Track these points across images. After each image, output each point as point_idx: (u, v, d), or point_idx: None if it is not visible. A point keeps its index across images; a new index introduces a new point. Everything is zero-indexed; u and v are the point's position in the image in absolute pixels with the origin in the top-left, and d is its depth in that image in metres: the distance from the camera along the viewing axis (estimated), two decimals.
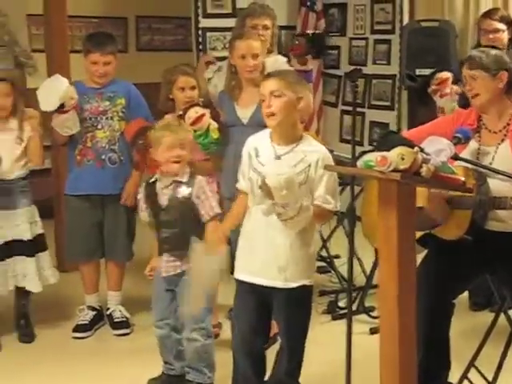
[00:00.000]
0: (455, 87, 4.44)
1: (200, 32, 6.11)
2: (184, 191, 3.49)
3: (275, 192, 2.87)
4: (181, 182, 3.50)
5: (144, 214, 3.64)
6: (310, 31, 6.56)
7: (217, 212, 3.53)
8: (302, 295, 3.13)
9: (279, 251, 3.06)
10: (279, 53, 4.67)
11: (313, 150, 3.10)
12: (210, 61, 4.60)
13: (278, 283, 3.08)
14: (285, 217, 2.95)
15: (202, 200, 3.50)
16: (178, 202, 3.49)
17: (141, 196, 3.65)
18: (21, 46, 6.71)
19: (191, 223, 3.50)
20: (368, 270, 4.70)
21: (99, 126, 4.31)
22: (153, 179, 3.57)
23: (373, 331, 4.23)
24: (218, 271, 3.24)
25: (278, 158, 3.10)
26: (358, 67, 4.99)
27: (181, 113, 3.96)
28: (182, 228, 3.49)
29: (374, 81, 6.44)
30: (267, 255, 3.08)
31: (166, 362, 3.70)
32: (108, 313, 4.53)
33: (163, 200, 3.51)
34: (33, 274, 4.23)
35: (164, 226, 3.52)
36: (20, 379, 3.86)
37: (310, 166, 3.05)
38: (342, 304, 4.64)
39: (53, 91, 4.06)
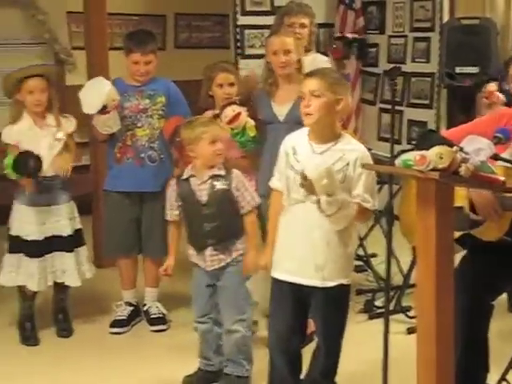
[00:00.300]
0: (501, 96, 4.41)
1: (238, 29, 6.10)
2: (222, 184, 3.51)
3: (316, 184, 2.86)
4: (219, 176, 3.51)
5: (174, 212, 3.63)
6: (349, 35, 6.50)
7: (254, 204, 3.55)
8: (339, 294, 3.12)
9: (317, 249, 3.05)
10: (317, 51, 4.65)
11: (351, 149, 3.08)
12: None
13: (316, 282, 3.07)
14: (329, 212, 2.94)
15: (242, 192, 3.53)
16: (218, 196, 3.50)
17: (172, 194, 3.63)
18: (61, 44, 6.78)
19: (231, 215, 3.52)
20: (405, 269, 4.67)
21: (139, 124, 4.33)
22: (185, 176, 3.57)
23: (410, 331, 4.20)
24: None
25: (316, 154, 3.10)
26: (397, 65, 4.96)
27: (217, 112, 3.97)
28: (222, 220, 3.51)
29: (412, 79, 6.39)
30: (305, 253, 3.07)
31: (204, 358, 3.71)
32: (145, 309, 4.55)
33: (202, 195, 3.51)
34: (72, 269, 4.27)
35: (205, 220, 3.51)
36: (58, 373, 3.90)
37: (348, 164, 3.04)
38: (378, 303, 4.61)
39: (95, 94, 4.09)
